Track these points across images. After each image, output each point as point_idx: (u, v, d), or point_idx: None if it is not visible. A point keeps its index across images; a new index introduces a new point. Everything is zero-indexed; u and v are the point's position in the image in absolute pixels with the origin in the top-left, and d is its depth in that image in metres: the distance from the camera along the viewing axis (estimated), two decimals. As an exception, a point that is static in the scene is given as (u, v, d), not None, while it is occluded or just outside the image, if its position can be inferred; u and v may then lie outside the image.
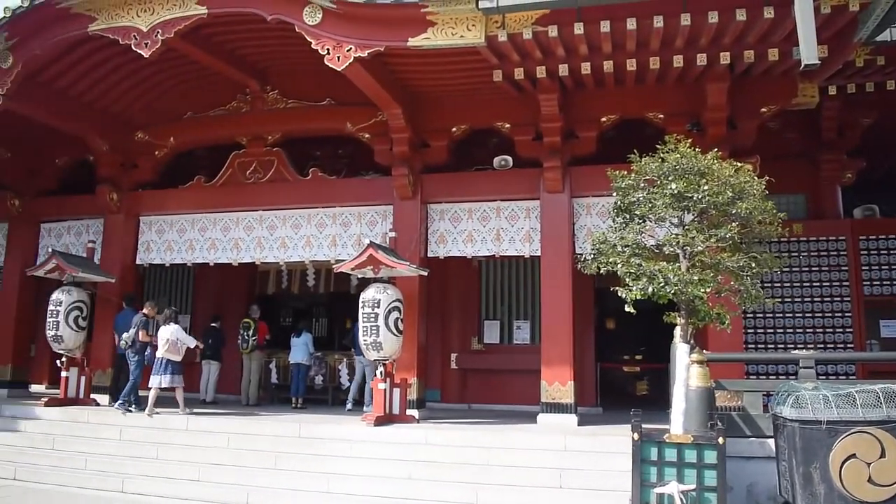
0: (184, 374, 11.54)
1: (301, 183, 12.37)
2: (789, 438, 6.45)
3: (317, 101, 12.27)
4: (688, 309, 7.15)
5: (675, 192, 7.03)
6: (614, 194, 7.78)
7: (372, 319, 10.02)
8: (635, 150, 7.77)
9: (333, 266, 11.35)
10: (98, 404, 12.03)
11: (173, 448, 9.68)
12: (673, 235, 7.17)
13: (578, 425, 10.11)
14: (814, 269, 12.02)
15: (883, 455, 6.07)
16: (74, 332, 11.80)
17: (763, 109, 10.31)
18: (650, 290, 6.91)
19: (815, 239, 12.10)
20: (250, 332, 13.21)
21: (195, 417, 10.69)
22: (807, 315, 11.89)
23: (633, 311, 7.15)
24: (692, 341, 7.42)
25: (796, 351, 10.45)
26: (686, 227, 7.17)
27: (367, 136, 11.96)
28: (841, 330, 11.80)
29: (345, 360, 13.59)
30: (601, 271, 7.52)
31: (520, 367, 12.56)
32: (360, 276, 11.18)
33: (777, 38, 8.74)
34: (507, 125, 11.34)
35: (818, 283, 11.97)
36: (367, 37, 9.25)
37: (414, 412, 10.63)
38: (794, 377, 8.44)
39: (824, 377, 10.74)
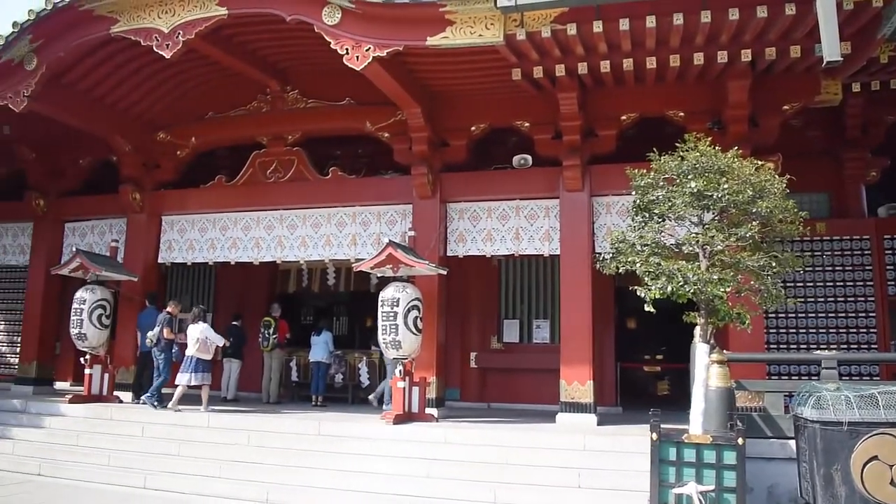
0: (211, 372, 11.69)
1: (321, 182, 12.44)
2: (810, 440, 6.39)
3: (336, 101, 12.33)
4: (707, 308, 7.10)
5: (695, 190, 6.97)
6: (633, 193, 7.74)
7: (391, 318, 10.05)
8: (654, 149, 7.72)
9: (353, 265, 11.38)
10: (121, 401, 12.20)
11: (195, 445, 9.76)
12: (692, 234, 7.12)
13: (598, 425, 10.08)
14: (837, 268, 11.85)
15: (905, 457, 6.01)
16: (98, 330, 11.95)
17: (785, 107, 10.21)
18: (669, 289, 6.87)
19: (838, 238, 11.93)
20: (271, 331, 13.29)
21: (216, 415, 10.79)
22: (830, 315, 11.73)
23: (652, 310, 7.13)
24: (712, 341, 7.37)
25: (818, 351, 10.34)
26: (706, 225, 7.11)
27: (386, 135, 11.99)
28: (864, 330, 11.63)
29: (365, 358, 13.64)
30: (620, 270, 7.48)
31: (539, 367, 12.52)
32: (379, 274, 11.23)
33: (799, 35, 8.64)
34: (527, 124, 11.32)
35: (841, 283, 11.80)
36: (386, 36, 9.28)
37: (433, 411, 10.65)
38: (816, 378, 8.36)
39: (847, 378, 10.62)
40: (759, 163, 7.40)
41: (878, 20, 8.24)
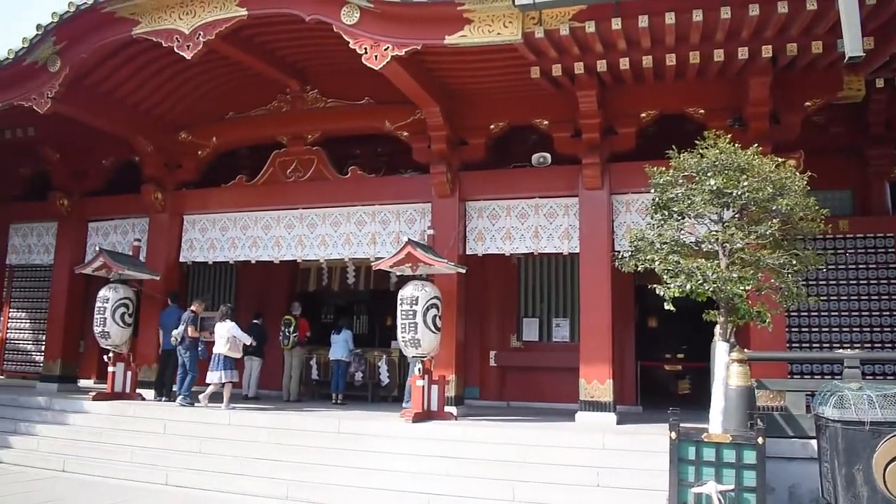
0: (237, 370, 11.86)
1: (341, 181, 12.49)
2: (832, 439, 6.33)
3: (356, 101, 12.38)
4: (727, 307, 7.06)
5: (714, 188, 6.94)
6: (652, 191, 7.70)
7: (410, 316, 10.07)
8: (673, 147, 7.68)
9: (373, 263, 11.42)
10: (143, 399, 12.33)
11: (216, 442, 9.84)
12: (712, 232, 7.08)
13: (617, 424, 10.04)
14: (860, 266, 11.71)
15: (929, 457, 5.93)
16: (121, 329, 12.08)
17: (807, 103, 10.11)
18: (688, 287, 6.85)
19: (861, 236, 11.78)
20: (291, 329, 13.35)
21: (237, 412, 10.86)
22: (853, 313, 11.59)
23: (672, 308, 7.10)
24: (732, 339, 7.32)
25: (841, 350, 10.24)
26: (725, 223, 7.07)
27: (405, 134, 12.02)
28: (889, 329, 11.48)
29: (384, 356, 13.67)
30: (639, 269, 7.46)
31: (559, 365, 12.51)
32: (398, 273, 11.26)
33: (821, 31, 8.54)
34: (546, 122, 11.30)
35: (865, 281, 11.65)
36: (405, 35, 9.30)
37: (452, 409, 10.66)
38: (839, 377, 8.27)
39: (871, 377, 10.49)
40: (780, 160, 7.33)
41: (901, 15, 8.14)
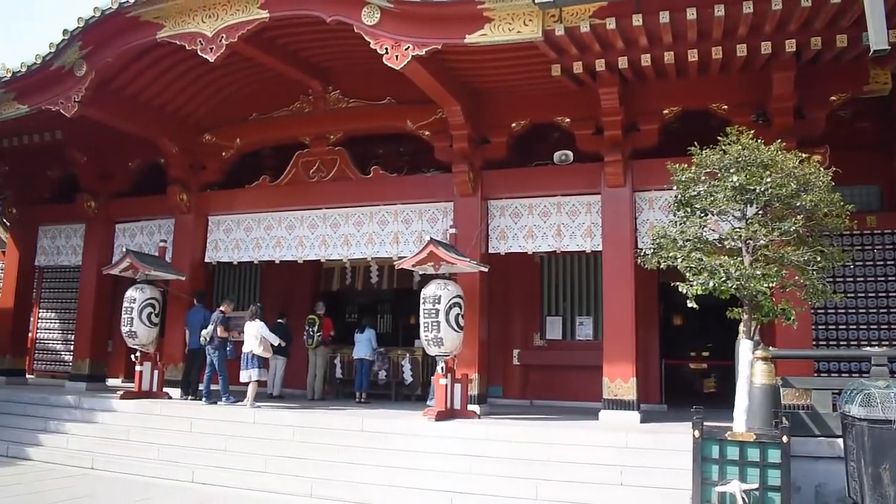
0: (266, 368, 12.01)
1: (363, 181, 12.55)
2: (858, 438, 6.25)
3: (377, 100, 12.42)
4: (751, 304, 6.98)
5: (737, 184, 6.86)
6: (674, 188, 7.65)
7: (433, 315, 10.08)
8: (695, 143, 7.62)
9: (395, 263, 11.46)
10: (170, 397, 12.48)
11: (241, 440, 9.94)
12: (735, 229, 7.02)
13: (641, 422, 9.99)
14: (889, 262, 11.51)
15: (957, 456, 5.84)
16: (147, 328, 12.23)
17: (832, 98, 9.98)
18: (711, 284, 6.78)
19: (889, 231, 11.59)
20: (315, 328, 13.43)
21: (262, 411, 10.96)
22: (881, 311, 11.40)
23: (695, 306, 7.05)
24: (756, 337, 7.26)
25: (868, 348, 10.10)
26: (749, 220, 7.00)
27: (427, 133, 12.04)
28: (918, 326, 11.33)
29: (408, 355, 13.72)
30: (661, 266, 7.42)
31: (582, 364, 12.46)
32: (421, 272, 11.28)
33: (845, 24, 8.43)
34: (567, 119, 11.26)
35: (893, 278, 11.48)
36: (425, 35, 9.31)
37: (475, 407, 10.67)
38: (867, 375, 8.16)
39: (899, 375, 10.34)
40: (804, 155, 7.24)
41: (929, 6, 8.00)
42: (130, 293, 12.32)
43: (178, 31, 10.50)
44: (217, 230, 13.72)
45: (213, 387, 12.06)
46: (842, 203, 7.03)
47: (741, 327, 7.21)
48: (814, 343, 10.68)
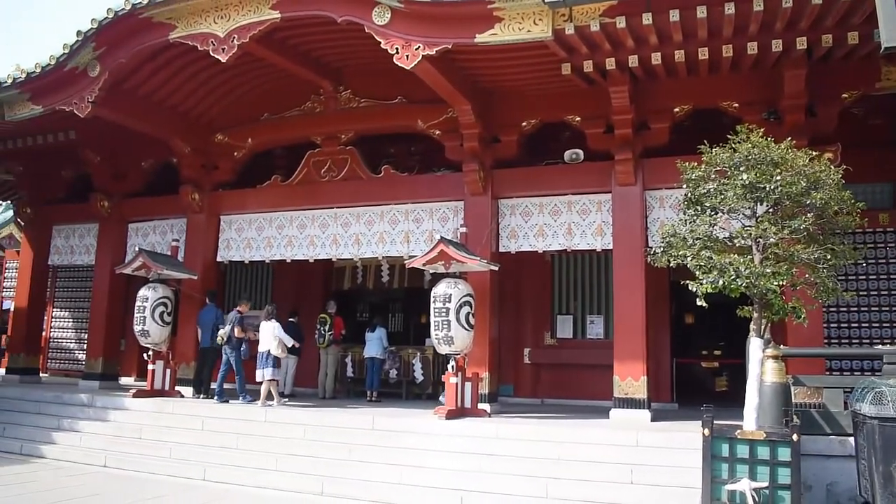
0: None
1: (374, 180, 12.58)
2: (869, 436, 6.22)
3: (388, 100, 12.44)
4: (761, 302, 6.98)
5: (747, 182, 6.87)
6: (684, 186, 7.65)
7: (443, 314, 10.10)
8: (708, 142, 7.62)
9: (406, 262, 11.49)
10: (182, 396, 12.55)
11: (252, 438, 9.99)
12: (745, 227, 7.01)
13: (652, 421, 9.98)
14: (902, 260, 11.50)
15: (969, 455, 5.81)
16: (160, 327, 12.31)
17: (844, 95, 9.95)
18: (721, 283, 6.79)
19: (902, 229, 11.56)
20: (327, 328, 13.47)
21: (273, 409, 11.02)
22: (894, 308, 11.35)
23: (704, 304, 7.05)
24: (767, 335, 7.24)
25: (881, 346, 10.04)
26: (759, 218, 6.99)
27: (437, 132, 12.06)
28: (931, 324, 11.26)
29: (419, 354, 13.76)
30: (671, 264, 7.42)
31: (593, 362, 12.46)
32: (432, 271, 11.30)
33: (856, 21, 8.38)
34: (578, 118, 11.25)
35: (906, 275, 11.45)
36: (435, 35, 9.33)
37: (486, 406, 10.68)
38: (880, 374, 8.13)
39: (912, 373, 10.26)
40: (815, 153, 7.22)
41: (940, 3, 7.95)
42: (143, 292, 12.40)
43: (190, 32, 10.56)
44: (229, 229, 13.80)
45: (227, 386, 12.12)
46: (852, 201, 7.01)
47: (751, 325, 7.21)
48: (826, 341, 10.63)
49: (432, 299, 10.30)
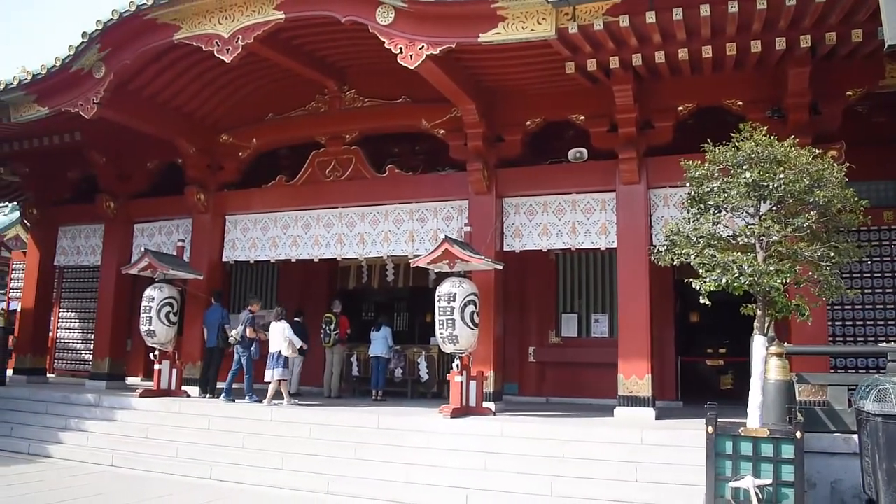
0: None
1: (378, 180, 12.61)
2: (872, 434, 6.22)
3: (393, 100, 12.47)
4: (764, 300, 6.99)
5: (750, 181, 6.87)
6: (688, 184, 7.66)
7: (448, 313, 10.12)
8: (712, 140, 7.63)
9: (411, 261, 11.51)
10: (189, 395, 12.62)
11: (258, 437, 10.03)
12: (748, 225, 7.02)
13: (656, 419, 10.00)
14: (906, 257, 11.47)
15: (973, 452, 5.81)
16: (166, 327, 12.36)
17: (848, 93, 9.93)
18: (724, 281, 6.79)
19: (906, 227, 11.54)
20: (332, 327, 13.50)
21: (279, 408, 11.06)
22: (899, 306, 11.38)
23: (707, 302, 7.06)
24: (771, 333, 7.25)
25: (885, 344, 10.03)
26: (762, 216, 7.00)
27: (442, 132, 12.09)
28: (936, 322, 11.24)
29: (424, 353, 13.79)
30: (674, 263, 7.43)
31: (598, 361, 12.45)
32: (436, 270, 11.33)
33: (860, 19, 8.39)
34: (582, 117, 11.27)
35: (910, 273, 11.42)
36: (439, 34, 9.36)
37: (490, 405, 10.71)
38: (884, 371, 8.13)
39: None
40: (818, 151, 7.23)
41: (944, 0, 7.94)
42: (149, 292, 12.46)
43: (194, 33, 10.62)
44: (234, 229, 13.84)
45: (234, 385, 12.17)
46: (856, 198, 7.01)
47: (755, 323, 7.21)
48: (830, 339, 10.62)
49: (437, 298, 10.32)
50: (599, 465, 8.18)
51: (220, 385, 12.45)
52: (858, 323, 11.45)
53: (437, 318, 10.28)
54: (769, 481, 6.32)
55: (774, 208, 7.03)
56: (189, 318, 13.49)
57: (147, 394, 12.15)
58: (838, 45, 9.02)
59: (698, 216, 7.40)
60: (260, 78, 12.95)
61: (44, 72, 11.55)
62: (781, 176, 6.80)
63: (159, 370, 12.50)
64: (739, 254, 6.83)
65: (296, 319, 13.82)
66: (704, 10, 8.34)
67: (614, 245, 10.93)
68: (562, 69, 10.09)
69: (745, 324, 8.33)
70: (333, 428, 10.06)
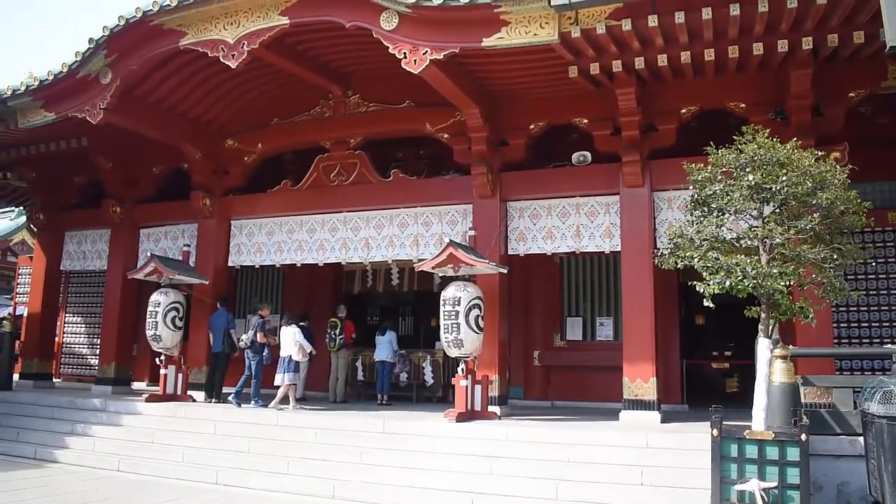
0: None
1: (383, 184, 12.65)
2: (878, 436, 6.22)
3: (397, 104, 12.51)
4: (768, 303, 6.99)
5: (753, 183, 6.88)
6: (691, 187, 7.67)
7: (453, 317, 10.14)
8: (715, 142, 7.64)
9: (415, 265, 11.53)
10: (194, 400, 12.66)
11: (263, 442, 10.05)
12: (751, 228, 7.03)
13: (662, 422, 9.99)
14: (911, 259, 11.44)
15: (978, 453, 5.80)
16: (172, 332, 12.41)
17: (851, 95, 9.94)
18: (728, 284, 6.80)
19: (911, 228, 11.51)
20: (337, 331, 13.51)
21: (284, 413, 11.07)
22: (905, 308, 11.34)
23: (711, 305, 7.06)
24: (775, 336, 7.25)
25: (890, 345, 10.02)
26: (765, 219, 7.01)
27: (446, 136, 12.11)
28: (941, 323, 11.20)
29: (429, 357, 13.80)
30: (678, 266, 7.44)
31: (603, 364, 12.47)
32: (441, 274, 11.35)
33: (862, 20, 8.38)
34: (585, 120, 11.29)
35: (915, 275, 11.39)
36: (442, 39, 9.38)
37: (496, 409, 10.70)
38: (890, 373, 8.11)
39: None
40: (821, 153, 7.24)
41: (946, 2, 7.94)
42: (155, 297, 12.51)
43: (200, 39, 10.67)
44: (240, 234, 13.89)
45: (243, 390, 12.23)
46: (859, 200, 7.02)
47: (760, 326, 7.22)
48: (835, 341, 10.60)
49: (442, 302, 10.34)
50: (605, 469, 8.19)
51: (226, 389, 12.46)
52: (863, 325, 11.41)
53: (441, 322, 10.30)
54: (775, 484, 6.32)
55: (777, 210, 7.04)
56: (195, 323, 13.53)
57: (153, 398, 12.19)
58: (840, 47, 9.04)
59: (702, 219, 7.41)
60: (265, 83, 13.00)
61: (51, 77, 11.62)
62: (784, 178, 6.81)
63: (165, 375, 12.55)
64: (743, 256, 6.84)
65: (301, 324, 13.80)
66: (706, 13, 8.34)
67: (618, 248, 10.94)
68: (565, 73, 10.12)
69: (750, 326, 8.33)
70: (339, 432, 10.07)
